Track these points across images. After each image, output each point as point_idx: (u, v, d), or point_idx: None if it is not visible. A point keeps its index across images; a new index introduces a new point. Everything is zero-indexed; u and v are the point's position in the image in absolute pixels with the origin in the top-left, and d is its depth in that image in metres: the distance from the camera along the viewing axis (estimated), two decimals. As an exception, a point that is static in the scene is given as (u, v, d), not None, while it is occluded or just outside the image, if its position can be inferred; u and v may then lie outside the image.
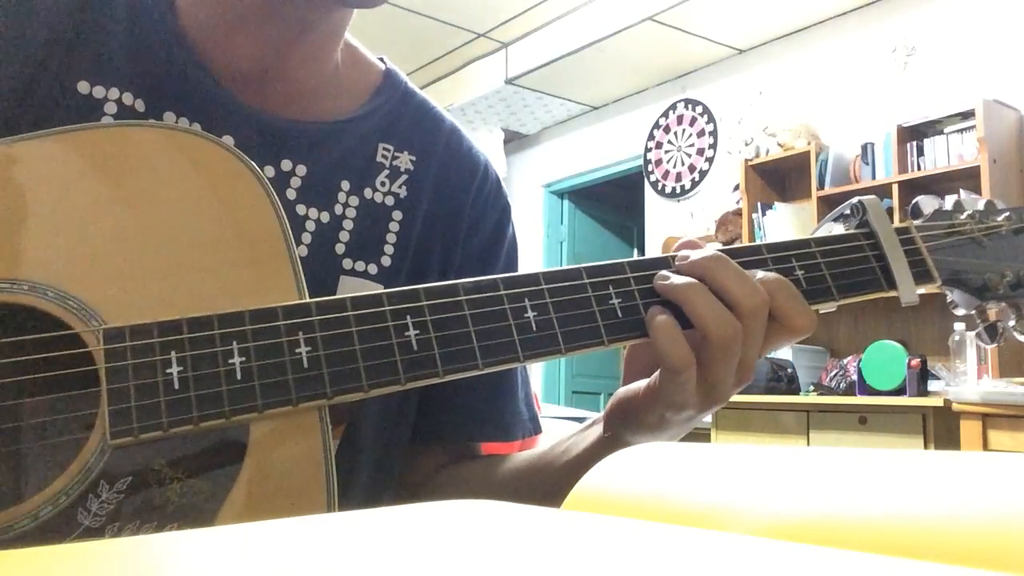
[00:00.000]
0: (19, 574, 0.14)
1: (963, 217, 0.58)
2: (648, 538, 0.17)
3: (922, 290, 0.54)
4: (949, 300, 0.58)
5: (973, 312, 0.57)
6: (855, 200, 0.56)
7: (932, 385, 3.28)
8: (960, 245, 0.56)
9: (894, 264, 0.53)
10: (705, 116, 4.84)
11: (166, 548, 0.16)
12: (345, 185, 0.60)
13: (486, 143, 5.59)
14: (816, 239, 0.53)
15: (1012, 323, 0.57)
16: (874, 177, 3.74)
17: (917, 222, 0.57)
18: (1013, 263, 0.57)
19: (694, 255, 0.48)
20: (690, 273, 0.48)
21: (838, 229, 0.57)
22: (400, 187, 0.62)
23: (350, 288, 0.58)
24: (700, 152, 4.86)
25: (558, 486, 0.53)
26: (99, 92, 0.53)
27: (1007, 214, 0.58)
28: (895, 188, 3.54)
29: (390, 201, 0.62)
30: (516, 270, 0.69)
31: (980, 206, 0.59)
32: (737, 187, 4.36)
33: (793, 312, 0.48)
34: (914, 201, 0.59)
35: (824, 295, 0.52)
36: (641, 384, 0.51)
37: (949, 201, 0.59)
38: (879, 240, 0.54)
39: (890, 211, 3.43)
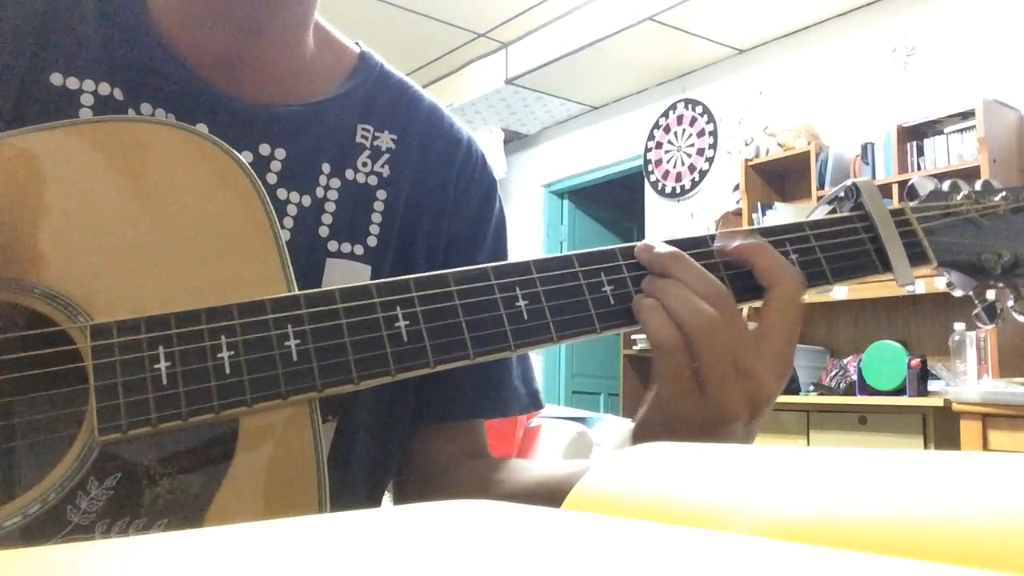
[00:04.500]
0: (8, 574, 0.14)
1: (960, 198, 0.57)
2: (648, 538, 0.17)
3: (919, 272, 0.54)
4: (947, 282, 0.57)
5: (971, 293, 0.57)
6: (849, 182, 0.56)
7: (932, 385, 3.28)
8: (957, 226, 0.56)
9: (889, 246, 0.53)
10: (705, 116, 4.84)
11: (161, 549, 0.16)
12: (326, 167, 0.59)
13: (486, 143, 5.59)
14: (810, 222, 0.53)
15: (1011, 303, 0.57)
16: (874, 177, 3.74)
17: (913, 203, 0.57)
18: (1010, 243, 0.56)
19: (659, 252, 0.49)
20: (660, 274, 0.48)
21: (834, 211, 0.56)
22: (382, 167, 0.62)
23: (336, 270, 0.57)
24: (700, 152, 4.86)
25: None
26: (73, 83, 0.53)
27: (1004, 194, 0.58)
28: (895, 188, 3.54)
29: (373, 181, 0.61)
30: (505, 247, 0.69)
31: (977, 186, 0.58)
32: (737, 187, 4.36)
33: (775, 269, 0.48)
34: (910, 183, 0.59)
35: (819, 279, 0.51)
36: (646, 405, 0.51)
37: (946, 183, 0.58)
38: (874, 222, 0.53)
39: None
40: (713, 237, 0.50)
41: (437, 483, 0.64)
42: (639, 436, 0.50)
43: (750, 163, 4.24)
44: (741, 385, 0.46)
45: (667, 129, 5.07)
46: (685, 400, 0.46)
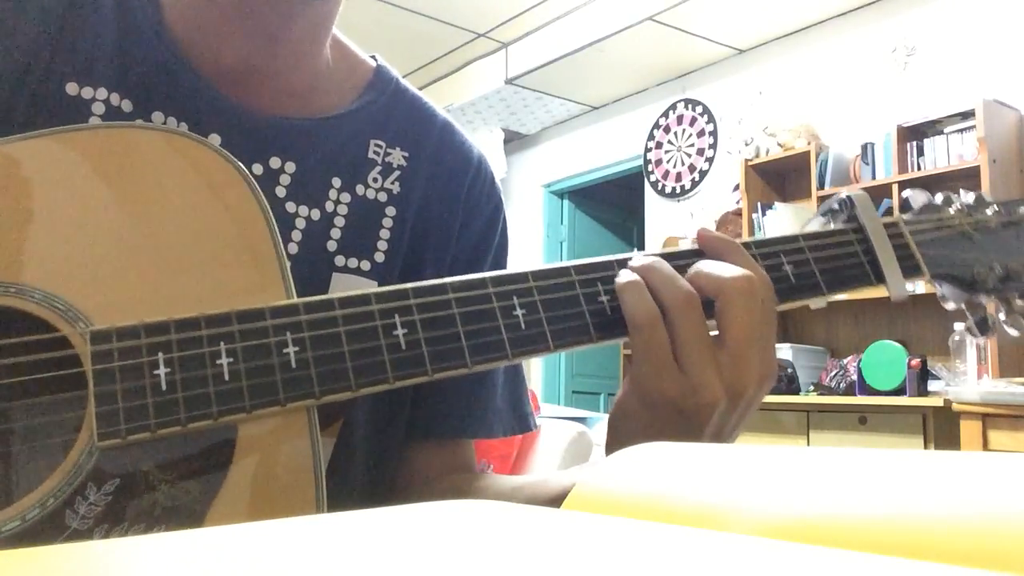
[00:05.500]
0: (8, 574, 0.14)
1: (952, 211, 0.58)
2: (648, 538, 0.17)
3: (911, 285, 0.54)
4: (939, 294, 0.58)
5: (963, 306, 0.57)
6: (843, 195, 0.56)
7: (932, 385, 3.28)
8: (949, 239, 0.56)
9: (882, 258, 0.53)
10: (705, 116, 4.84)
11: (161, 549, 0.16)
12: (336, 182, 0.59)
13: (486, 143, 5.59)
14: (804, 235, 0.53)
15: (1002, 316, 0.57)
16: (874, 177, 3.74)
17: (906, 216, 0.57)
18: (1002, 256, 0.57)
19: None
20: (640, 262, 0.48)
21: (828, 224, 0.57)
22: (393, 183, 0.62)
23: (343, 285, 0.57)
24: (700, 152, 4.86)
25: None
26: (87, 93, 0.53)
27: (996, 208, 0.58)
28: (895, 188, 3.54)
29: (383, 197, 0.61)
30: (504, 266, 0.69)
31: (970, 200, 0.59)
32: (737, 187, 4.36)
33: (710, 285, 0.47)
34: (904, 195, 0.59)
35: (813, 290, 0.51)
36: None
37: (939, 196, 0.59)
38: (867, 235, 0.54)
39: (890, 211, 3.44)
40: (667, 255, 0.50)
41: (418, 497, 0.64)
42: (617, 417, 0.49)
43: (750, 163, 4.24)
44: (718, 364, 0.46)
45: (667, 129, 5.07)
46: (662, 378, 0.45)
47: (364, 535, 0.17)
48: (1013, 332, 0.57)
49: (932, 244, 0.56)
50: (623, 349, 4.83)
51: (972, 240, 0.57)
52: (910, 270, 0.54)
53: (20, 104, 0.52)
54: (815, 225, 0.57)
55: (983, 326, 0.57)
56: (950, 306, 0.58)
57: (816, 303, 0.52)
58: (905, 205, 0.59)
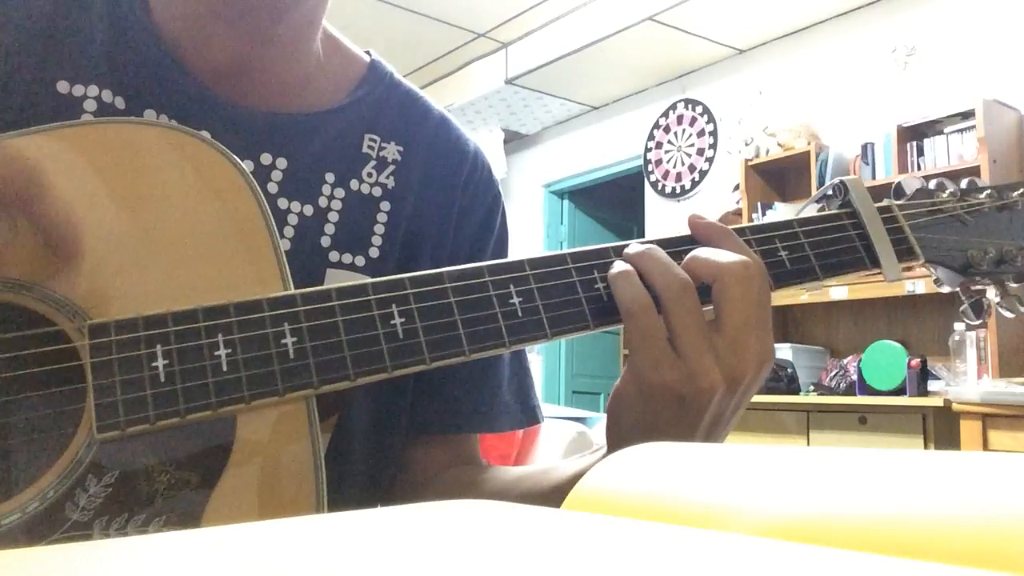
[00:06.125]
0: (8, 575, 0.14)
1: (945, 195, 0.58)
2: (648, 538, 0.17)
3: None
4: (934, 278, 0.58)
5: (958, 289, 0.58)
6: (837, 180, 0.57)
7: (932, 385, 3.28)
8: (943, 223, 0.57)
9: (876, 242, 0.54)
10: (705, 116, 4.84)
11: (161, 549, 0.16)
12: (330, 177, 0.59)
13: (486, 143, 5.59)
14: (799, 220, 0.54)
15: (997, 299, 0.57)
16: (874, 177, 3.74)
17: (899, 201, 0.58)
18: (996, 240, 0.57)
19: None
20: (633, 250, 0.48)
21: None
22: (387, 178, 0.62)
23: (337, 281, 0.57)
24: (700, 152, 4.86)
25: (545, 502, 0.51)
26: (78, 90, 0.53)
27: (989, 191, 0.59)
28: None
29: (377, 192, 0.61)
30: (505, 258, 0.69)
31: (963, 185, 0.59)
32: (737, 187, 4.36)
33: (704, 268, 0.47)
34: (896, 182, 0.60)
35: (808, 274, 0.52)
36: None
37: (932, 182, 0.59)
38: (861, 219, 0.54)
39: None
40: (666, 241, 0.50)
41: (423, 490, 0.64)
42: (616, 406, 0.49)
43: (750, 163, 4.24)
44: (716, 349, 0.46)
45: (667, 129, 5.07)
46: (660, 365, 0.45)
47: (364, 535, 0.17)
48: (1008, 314, 0.57)
49: (926, 228, 0.56)
50: (623, 349, 4.83)
51: (966, 224, 0.57)
52: (904, 253, 0.54)
53: (11, 103, 0.52)
54: (810, 211, 0.57)
55: (978, 309, 0.57)
56: (945, 289, 0.58)
57: (812, 288, 0.52)
58: (898, 191, 0.59)
